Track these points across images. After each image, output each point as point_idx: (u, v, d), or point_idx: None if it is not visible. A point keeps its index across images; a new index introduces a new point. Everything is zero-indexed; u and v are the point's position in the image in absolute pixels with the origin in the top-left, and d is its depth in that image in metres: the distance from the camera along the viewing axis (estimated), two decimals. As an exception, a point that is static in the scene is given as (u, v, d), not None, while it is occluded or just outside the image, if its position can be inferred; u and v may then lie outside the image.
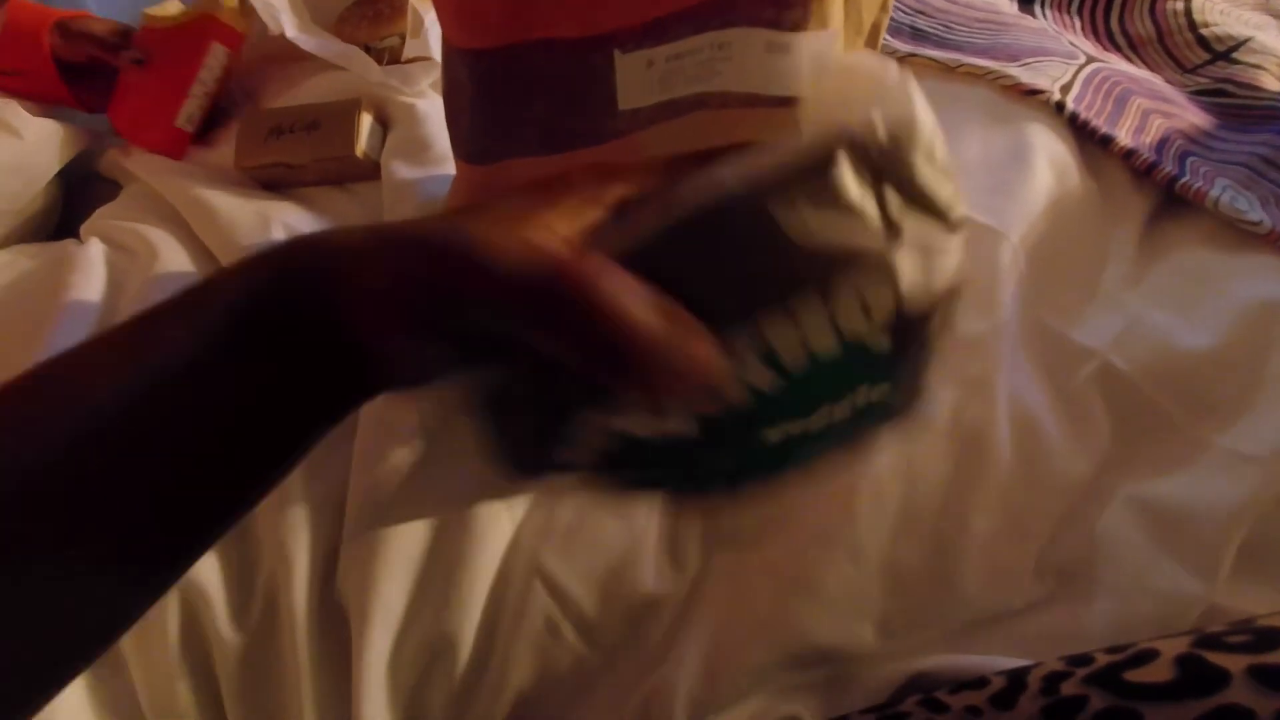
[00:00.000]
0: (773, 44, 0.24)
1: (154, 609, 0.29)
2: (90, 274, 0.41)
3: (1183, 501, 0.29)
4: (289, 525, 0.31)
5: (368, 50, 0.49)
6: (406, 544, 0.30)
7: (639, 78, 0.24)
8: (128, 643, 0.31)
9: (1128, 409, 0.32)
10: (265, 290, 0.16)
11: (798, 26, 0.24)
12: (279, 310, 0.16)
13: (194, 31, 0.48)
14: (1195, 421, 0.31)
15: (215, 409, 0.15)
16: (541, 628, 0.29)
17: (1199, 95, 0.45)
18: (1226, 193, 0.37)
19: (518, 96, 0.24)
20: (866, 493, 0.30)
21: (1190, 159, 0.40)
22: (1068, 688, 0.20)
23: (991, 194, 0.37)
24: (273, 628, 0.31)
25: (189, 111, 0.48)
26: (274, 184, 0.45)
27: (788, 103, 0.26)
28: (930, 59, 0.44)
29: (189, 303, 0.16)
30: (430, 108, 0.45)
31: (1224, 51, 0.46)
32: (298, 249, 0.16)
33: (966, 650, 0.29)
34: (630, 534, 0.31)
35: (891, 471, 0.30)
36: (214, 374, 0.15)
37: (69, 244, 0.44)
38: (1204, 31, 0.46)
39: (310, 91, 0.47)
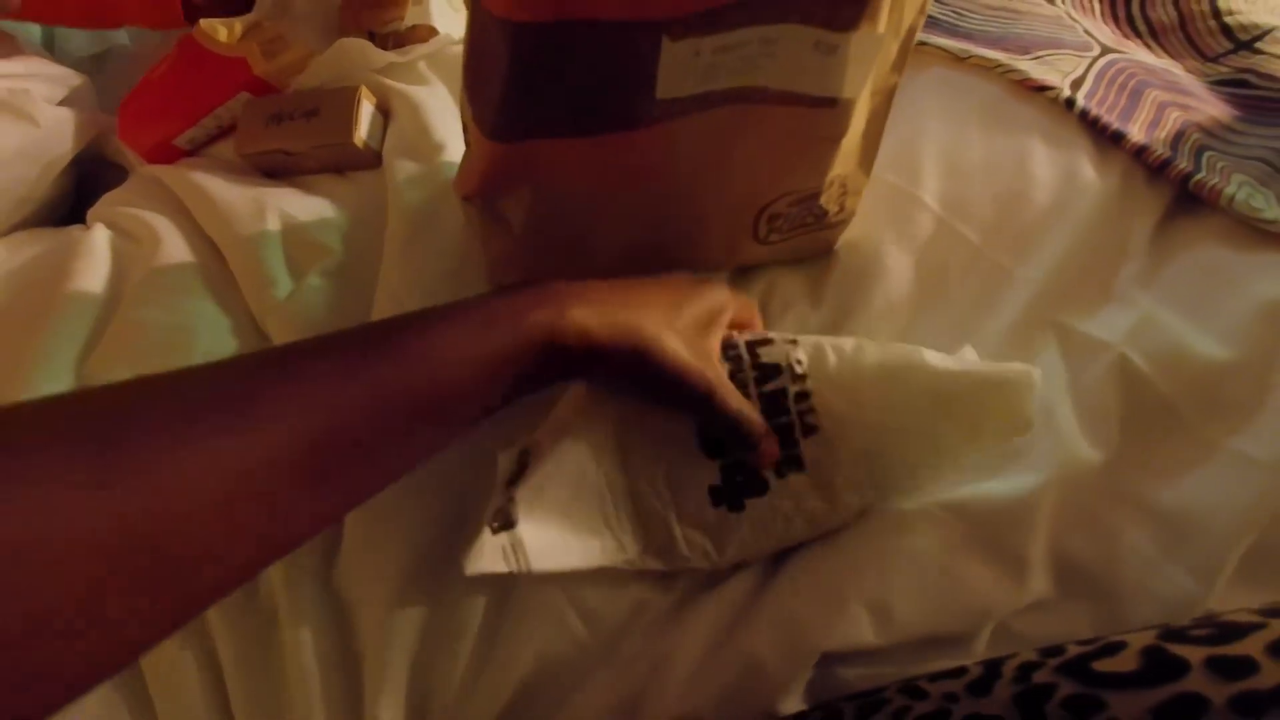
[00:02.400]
0: (821, 43, 0.24)
1: None
2: (95, 260, 0.41)
3: (1191, 506, 0.29)
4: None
5: (370, 36, 0.49)
6: (412, 528, 0.31)
7: (683, 66, 0.24)
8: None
9: (1140, 405, 0.31)
10: (529, 370, 0.25)
11: (848, 27, 0.24)
12: (539, 381, 0.26)
13: (230, 71, 0.46)
14: (1206, 422, 0.30)
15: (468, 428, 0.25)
16: (549, 617, 0.30)
17: (1220, 85, 0.43)
18: (1243, 190, 0.36)
19: (556, 75, 0.24)
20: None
21: (1207, 154, 0.39)
22: (1039, 676, 0.21)
23: (995, 206, 0.37)
24: (274, 615, 0.31)
25: (192, 135, 0.47)
26: (274, 171, 0.46)
27: (825, 103, 0.26)
28: (940, 47, 0.43)
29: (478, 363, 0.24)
30: (429, 95, 0.44)
31: (1247, 41, 0.44)
32: (549, 345, 0.25)
33: (963, 649, 0.29)
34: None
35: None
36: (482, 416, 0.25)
37: (75, 230, 0.45)
38: (1228, 19, 0.45)
39: (312, 77, 0.47)
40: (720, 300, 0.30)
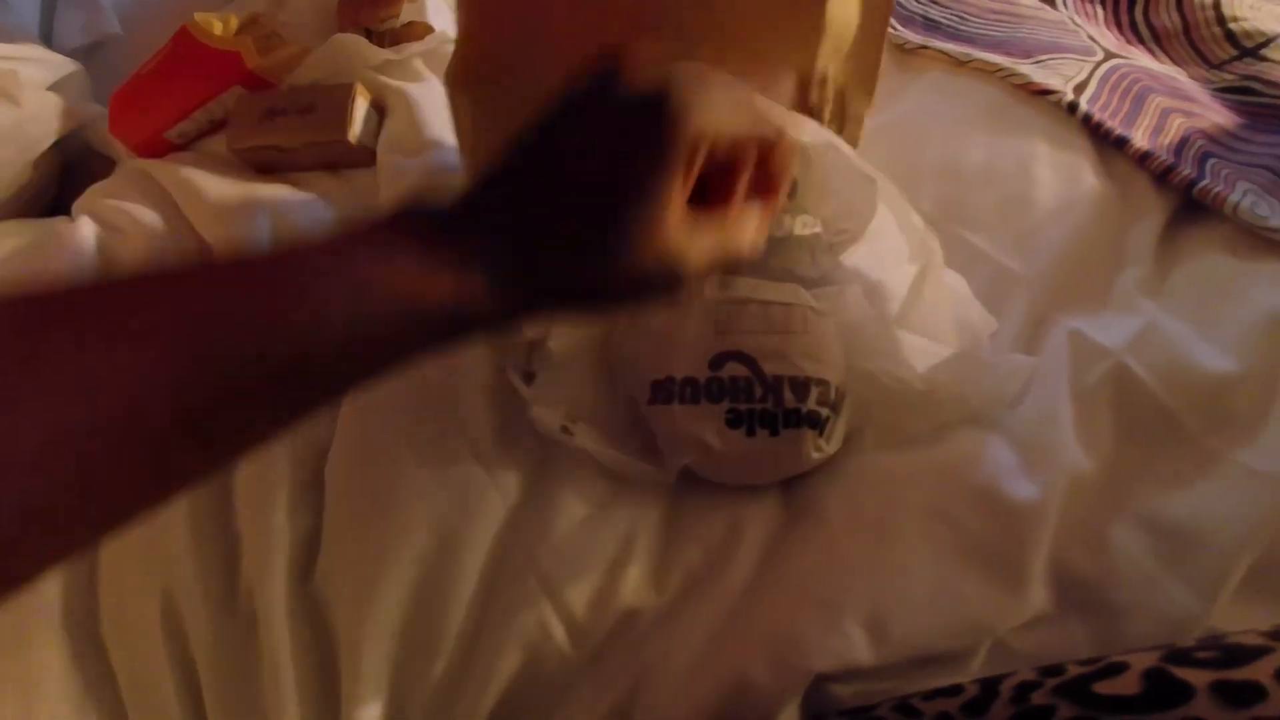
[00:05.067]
0: None
1: (137, 601, 0.31)
2: (80, 254, 0.40)
3: (1193, 519, 0.28)
4: (267, 512, 0.31)
5: (367, 34, 0.49)
6: (394, 534, 0.30)
7: None
8: (109, 631, 0.31)
9: (1140, 415, 0.31)
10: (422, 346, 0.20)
11: None
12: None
13: (223, 64, 0.45)
14: (1209, 433, 0.30)
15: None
16: (533, 626, 0.29)
17: (1224, 92, 0.43)
18: (1247, 197, 0.36)
19: None
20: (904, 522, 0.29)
21: (1211, 161, 0.38)
22: (1038, 697, 0.20)
23: (996, 208, 0.36)
24: (253, 619, 0.31)
25: (183, 129, 0.46)
26: (266, 167, 0.45)
27: None
28: (941, 51, 0.42)
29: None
30: (424, 92, 0.44)
31: (1252, 48, 0.44)
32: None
33: (960, 666, 0.28)
34: (623, 543, 0.30)
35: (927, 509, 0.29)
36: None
37: (59, 222, 0.44)
38: (1232, 26, 0.44)
39: (306, 73, 0.47)
40: (675, 159, 0.19)
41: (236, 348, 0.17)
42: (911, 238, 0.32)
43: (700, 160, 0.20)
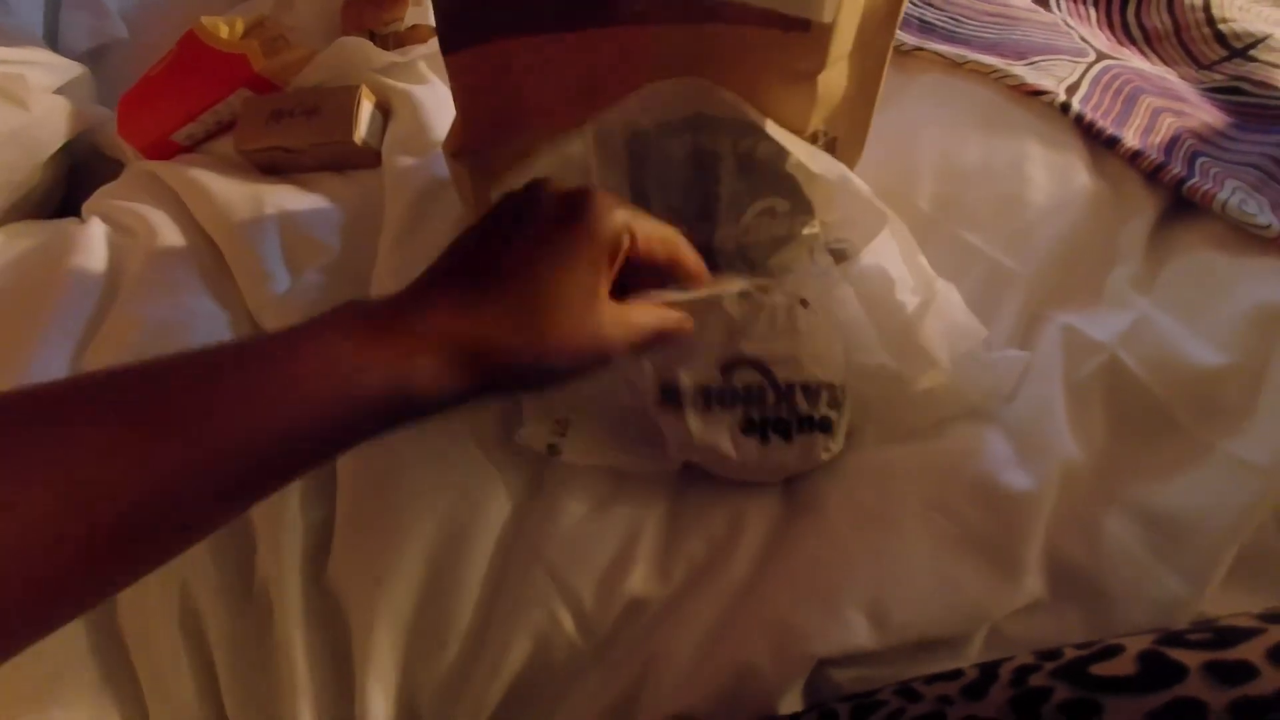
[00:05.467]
0: None
1: (155, 593, 0.31)
2: (91, 254, 0.41)
3: (1183, 508, 0.29)
4: (280, 505, 0.32)
5: (371, 37, 0.49)
6: (404, 528, 0.31)
7: None
8: (129, 625, 0.32)
9: (1132, 407, 0.31)
10: (366, 431, 0.21)
11: None
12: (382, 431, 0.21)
13: (230, 67, 0.46)
14: (1200, 424, 0.31)
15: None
16: (541, 616, 0.30)
17: (1214, 92, 0.44)
18: (1236, 195, 0.36)
19: None
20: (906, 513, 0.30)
21: (1200, 159, 0.39)
22: (1036, 679, 0.21)
23: (992, 207, 0.37)
24: (269, 611, 0.31)
25: (190, 131, 0.47)
26: (273, 168, 0.46)
27: (798, 25, 0.26)
28: (937, 53, 0.43)
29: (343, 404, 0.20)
30: (429, 94, 0.44)
31: (1241, 48, 0.44)
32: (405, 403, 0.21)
33: (957, 652, 0.29)
34: (628, 535, 0.31)
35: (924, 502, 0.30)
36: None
37: (70, 223, 0.45)
38: (1222, 27, 0.45)
39: (312, 75, 0.48)
40: (599, 247, 0.23)
41: (179, 451, 0.17)
42: (916, 274, 0.32)
43: (620, 255, 0.23)
